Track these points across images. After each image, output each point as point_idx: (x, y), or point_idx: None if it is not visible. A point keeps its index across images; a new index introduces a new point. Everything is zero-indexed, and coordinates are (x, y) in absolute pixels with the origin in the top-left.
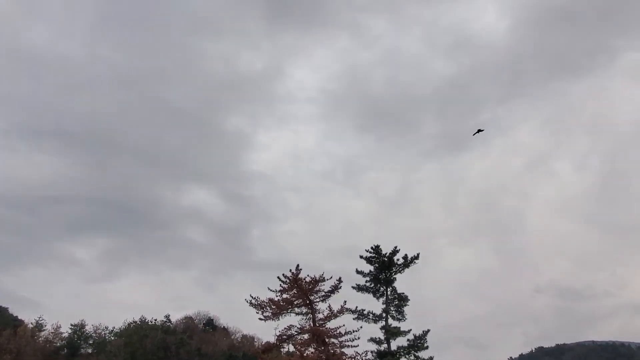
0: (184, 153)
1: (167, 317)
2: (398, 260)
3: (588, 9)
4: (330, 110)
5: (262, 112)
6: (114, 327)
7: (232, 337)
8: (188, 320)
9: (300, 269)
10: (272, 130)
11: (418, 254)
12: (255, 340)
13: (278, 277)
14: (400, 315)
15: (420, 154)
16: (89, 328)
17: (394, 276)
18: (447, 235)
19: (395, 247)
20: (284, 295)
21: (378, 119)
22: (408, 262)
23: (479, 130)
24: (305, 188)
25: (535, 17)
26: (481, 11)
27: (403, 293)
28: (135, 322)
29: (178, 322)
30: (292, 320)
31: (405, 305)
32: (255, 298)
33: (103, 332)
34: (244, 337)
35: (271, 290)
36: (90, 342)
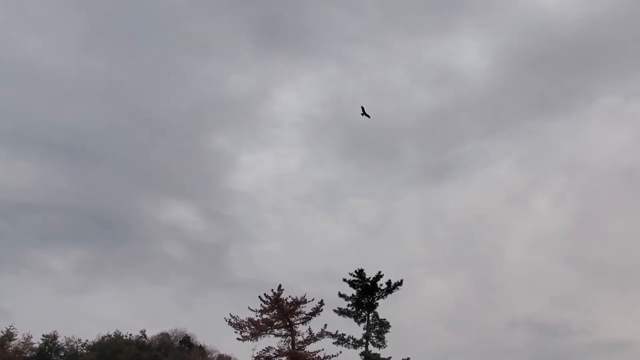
0: (167, 169)
1: (143, 332)
2: (381, 285)
3: (568, 52)
4: (314, 136)
5: (247, 133)
6: (87, 340)
7: (209, 356)
8: (164, 336)
9: (282, 289)
10: (256, 152)
11: (401, 281)
12: None
13: (259, 297)
14: (381, 342)
15: (401, 183)
16: (61, 340)
17: (377, 301)
18: (426, 265)
19: (379, 272)
20: (264, 316)
21: (360, 146)
22: (391, 287)
23: (365, 114)
24: (286, 210)
25: (516, 58)
26: (464, 48)
27: (385, 319)
28: (109, 335)
29: (153, 338)
30: (271, 341)
31: (387, 331)
32: (234, 317)
33: (75, 345)
34: (221, 356)
35: (251, 309)
36: (62, 354)
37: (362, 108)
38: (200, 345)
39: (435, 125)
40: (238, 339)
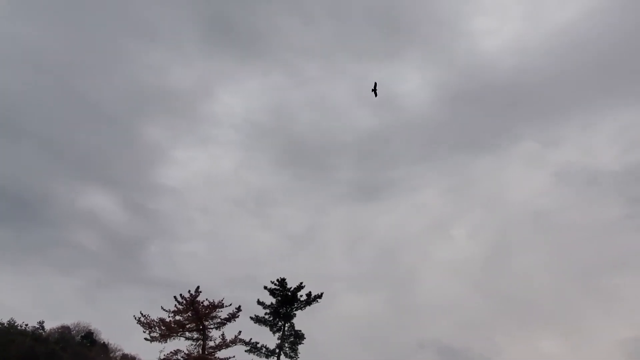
0: (92, 153)
1: (41, 324)
2: (301, 296)
3: (498, 96)
4: (252, 141)
5: (184, 128)
6: None
7: (111, 354)
8: (64, 330)
9: (200, 292)
10: (191, 148)
11: (322, 294)
12: None
13: (175, 297)
14: (294, 353)
15: (332, 198)
16: None
17: (295, 312)
18: (346, 280)
19: (301, 283)
20: (177, 317)
21: (297, 157)
22: (311, 299)
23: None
24: (214, 212)
25: (452, 93)
26: (407, 77)
27: (300, 330)
28: (2, 324)
29: (52, 331)
30: (181, 344)
31: (301, 343)
32: (145, 316)
33: None
34: (124, 356)
35: (164, 309)
36: None
37: (375, 84)
38: (104, 342)
39: (371, 146)
40: (146, 339)
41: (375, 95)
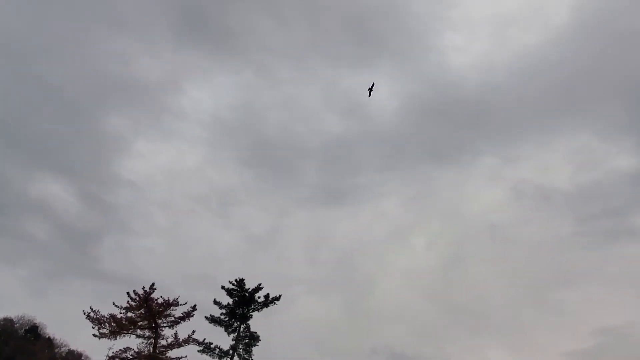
0: (49, 139)
1: None
2: (259, 297)
3: (463, 112)
4: (219, 138)
5: (148, 121)
6: None
7: (57, 350)
8: (7, 322)
9: (155, 289)
10: (154, 142)
11: (280, 296)
12: (82, 357)
13: (127, 293)
14: (248, 355)
15: (296, 201)
16: None
17: (252, 313)
18: (305, 284)
19: (260, 284)
20: (129, 314)
21: (263, 158)
22: (269, 301)
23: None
24: (174, 208)
25: (419, 106)
26: (377, 85)
27: (256, 332)
28: None
29: None
30: (131, 342)
31: (255, 345)
32: (95, 311)
33: None
34: (70, 352)
35: (116, 305)
36: None
37: (372, 85)
38: (50, 337)
39: (337, 152)
40: (95, 335)
41: (369, 95)
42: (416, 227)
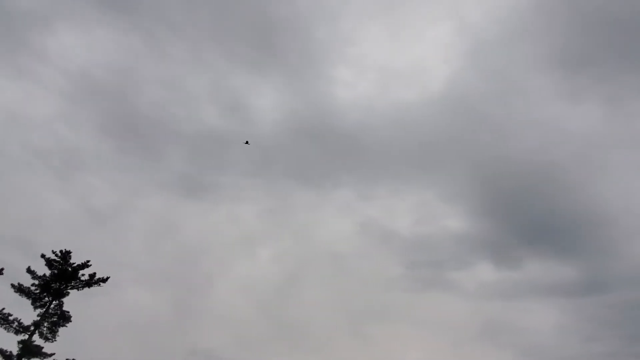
0: None
1: None
2: (83, 275)
3: (337, 142)
4: (82, 95)
5: (2, 51)
6: None
7: None
8: None
9: None
10: (3, 77)
11: (107, 278)
12: None
13: None
14: (52, 335)
15: (151, 184)
16: None
17: (69, 290)
18: (137, 272)
19: (87, 261)
20: None
21: (127, 130)
22: (93, 281)
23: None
24: (6, 155)
25: (298, 124)
26: (263, 91)
27: (68, 312)
28: None
29: None
30: None
31: (64, 325)
32: None
33: None
34: None
35: None
36: None
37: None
38: None
39: (210, 146)
40: None
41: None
42: (266, 239)
